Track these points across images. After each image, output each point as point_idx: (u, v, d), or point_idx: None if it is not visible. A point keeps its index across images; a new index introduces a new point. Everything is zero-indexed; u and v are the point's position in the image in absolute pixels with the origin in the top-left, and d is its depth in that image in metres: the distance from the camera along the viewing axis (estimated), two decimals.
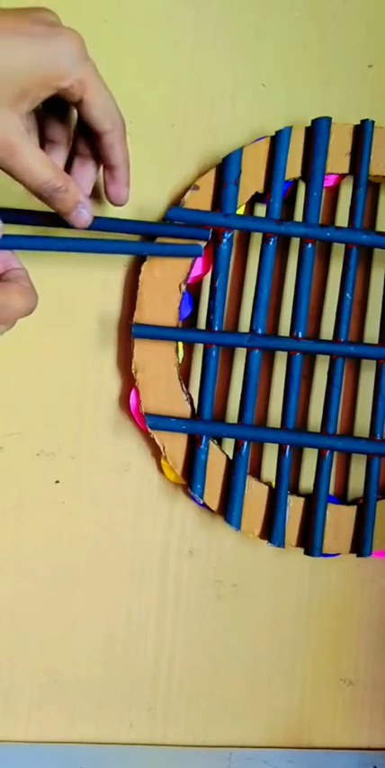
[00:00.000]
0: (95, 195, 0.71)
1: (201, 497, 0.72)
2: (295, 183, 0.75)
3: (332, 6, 0.77)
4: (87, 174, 0.67)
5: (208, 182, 0.71)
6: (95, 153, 0.65)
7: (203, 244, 0.71)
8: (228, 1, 0.75)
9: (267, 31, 0.76)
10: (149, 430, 0.72)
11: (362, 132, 0.72)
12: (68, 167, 0.68)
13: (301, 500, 0.74)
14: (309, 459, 0.77)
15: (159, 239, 0.71)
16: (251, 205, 0.75)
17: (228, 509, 0.72)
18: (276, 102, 0.76)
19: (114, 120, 0.62)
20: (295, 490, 0.78)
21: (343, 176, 0.74)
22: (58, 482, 0.75)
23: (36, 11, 0.58)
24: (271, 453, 0.76)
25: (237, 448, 0.72)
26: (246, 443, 0.72)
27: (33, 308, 0.63)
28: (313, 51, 0.77)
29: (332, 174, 0.73)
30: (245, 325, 0.76)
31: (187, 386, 0.74)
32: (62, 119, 0.64)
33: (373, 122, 0.72)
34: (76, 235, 0.67)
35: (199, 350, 0.75)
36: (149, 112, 0.74)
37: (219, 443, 0.74)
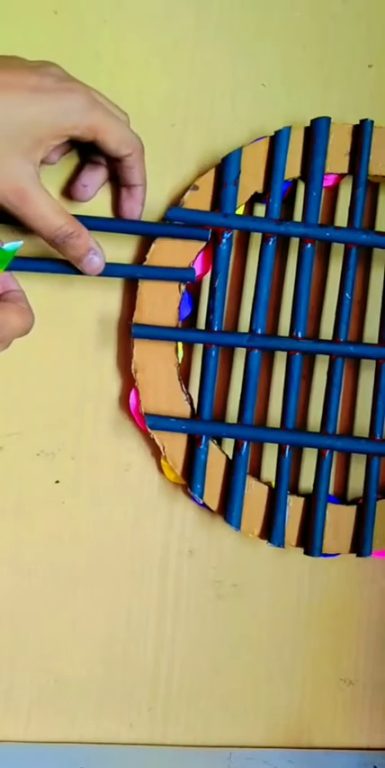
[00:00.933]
0: (97, 196, 0.72)
1: (201, 497, 0.72)
2: (294, 182, 0.75)
3: (332, 6, 0.77)
4: (96, 176, 0.71)
5: (207, 182, 0.72)
6: (107, 161, 0.70)
7: (196, 272, 0.71)
8: (228, 1, 0.75)
9: (267, 31, 0.76)
10: (149, 430, 0.72)
11: (361, 132, 0.72)
12: (78, 171, 0.70)
13: (301, 500, 0.74)
14: (309, 458, 0.77)
15: (154, 261, 0.71)
16: (250, 205, 0.75)
17: (228, 509, 0.72)
18: (276, 102, 0.76)
19: (132, 145, 0.67)
20: (295, 490, 0.78)
21: (342, 176, 0.74)
22: (58, 482, 0.75)
23: (45, 66, 0.63)
24: (270, 453, 0.76)
25: (237, 448, 0.72)
26: (245, 443, 0.72)
27: (30, 329, 0.64)
28: (313, 51, 0.77)
29: (331, 173, 0.73)
30: (244, 325, 0.76)
31: (187, 386, 0.74)
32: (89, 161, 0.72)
33: (372, 122, 0.72)
34: None
35: (198, 350, 0.75)
36: (149, 112, 0.74)
37: (219, 443, 0.74)
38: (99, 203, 0.73)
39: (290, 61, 0.76)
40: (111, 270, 0.69)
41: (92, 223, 0.67)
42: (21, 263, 0.68)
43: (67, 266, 0.68)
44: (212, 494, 0.73)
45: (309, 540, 0.73)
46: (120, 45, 0.74)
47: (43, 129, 0.61)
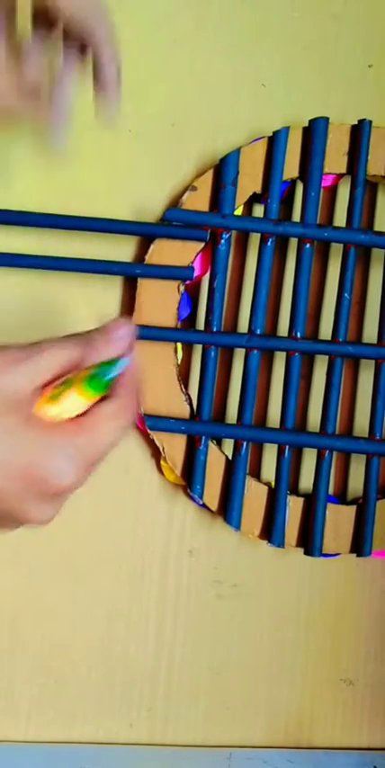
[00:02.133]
0: (97, 197, 0.72)
1: (201, 498, 0.72)
2: (293, 183, 0.75)
3: (332, 6, 0.77)
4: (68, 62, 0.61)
5: (206, 182, 0.72)
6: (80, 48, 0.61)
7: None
8: (228, 1, 0.75)
9: (267, 31, 0.76)
10: (148, 431, 0.72)
11: (359, 132, 0.72)
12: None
13: (301, 500, 0.74)
14: (309, 459, 0.77)
15: (153, 262, 0.71)
16: (249, 206, 0.75)
17: (228, 509, 0.72)
18: (276, 102, 0.76)
19: (97, 19, 0.58)
20: (294, 490, 0.78)
21: (340, 176, 0.74)
22: None
23: None
24: (270, 453, 0.76)
25: (237, 448, 0.72)
26: (245, 444, 0.72)
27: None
28: (313, 51, 0.77)
29: (330, 174, 0.73)
30: (243, 325, 0.76)
31: (186, 386, 0.74)
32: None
33: (371, 122, 0.71)
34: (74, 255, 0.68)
35: (198, 350, 0.75)
36: (149, 112, 0.74)
37: (219, 444, 0.74)
38: (98, 204, 0.73)
39: (290, 61, 0.76)
40: (110, 267, 0.69)
41: (90, 224, 0.67)
42: (22, 261, 0.69)
43: (70, 264, 0.68)
44: (212, 494, 0.73)
45: (309, 540, 0.73)
46: (121, 45, 0.74)
47: None
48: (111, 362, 0.50)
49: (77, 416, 0.49)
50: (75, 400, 0.49)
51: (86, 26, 0.58)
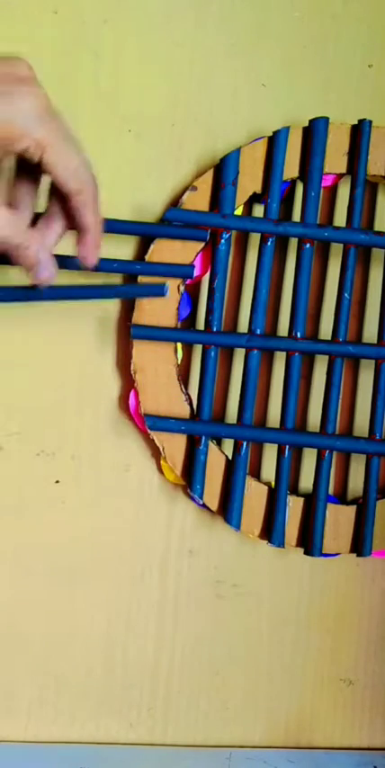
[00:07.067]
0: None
1: (201, 498, 0.72)
2: (293, 183, 0.75)
3: (332, 6, 0.77)
4: (51, 233, 0.60)
5: (206, 182, 0.72)
6: (65, 211, 0.60)
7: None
8: (228, 1, 0.75)
9: (267, 31, 0.76)
10: (149, 431, 0.72)
11: (359, 132, 0.72)
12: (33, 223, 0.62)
13: (301, 500, 0.74)
14: (309, 459, 0.77)
15: (152, 260, 0.71)
16: (249, 205, 0.75)
17: (228, 509, 0.72)
18: (276, 102, 0.76)
19: (82, 182, 0.57)
20: (295, 490, 0.78)
21: (340, 176, 0.74)
22: (58, 482, 0.75)
23: (7, 63, 0.55)
24: (270, 453, 0.76)
25: (237, 448, 0.72)
26: (245, 444, 0.72)
27: None
28: (313, 51, 0.77)
29: (330, 173, 0.73)
30: (243, 325, 0.76)
31: (186, 386, 0.74)
32: (30, 178, 0.59)
33: (371, 122, 0.71)
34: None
35: (198, 350, 0.75)
36: (149, 112, 0.74)
37: (219, 444, 0.74)
38: None
39: (290, 61, 0.76)
40: (109, 265, 0.69)
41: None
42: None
43: (69, 262, 0.68)
44: (212, 494, 0.73)
45: (309, 540, 0.73)
46: (120, 45, 0.74)
47: None
48: None
49: None
50: None
51: (77, 198, 0.57)
